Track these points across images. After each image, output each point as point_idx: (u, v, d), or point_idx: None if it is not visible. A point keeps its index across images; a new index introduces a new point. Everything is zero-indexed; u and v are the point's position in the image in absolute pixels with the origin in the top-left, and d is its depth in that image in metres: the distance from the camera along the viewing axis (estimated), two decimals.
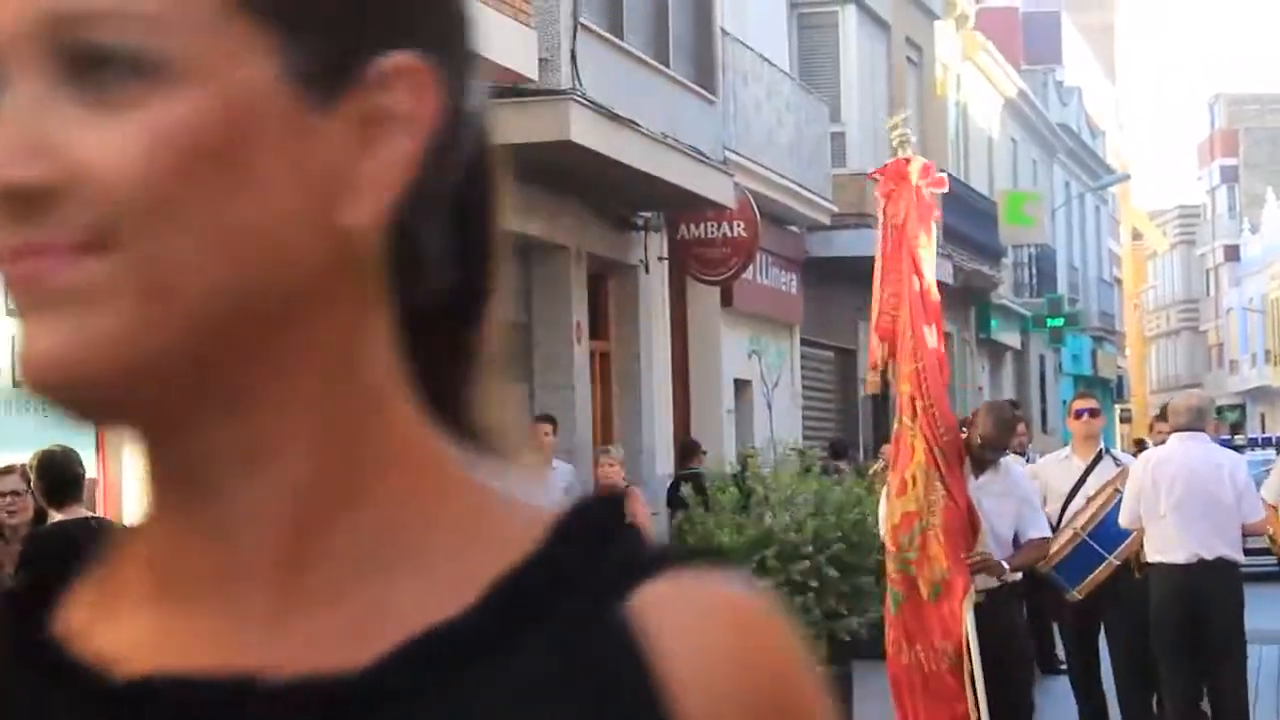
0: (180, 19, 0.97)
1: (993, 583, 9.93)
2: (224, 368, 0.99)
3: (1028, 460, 14.97)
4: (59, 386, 1.07)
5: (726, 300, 22.48)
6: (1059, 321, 43.74)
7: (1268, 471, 14.06)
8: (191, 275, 0.97)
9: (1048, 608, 13.22)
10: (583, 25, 16.43)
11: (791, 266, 25.24)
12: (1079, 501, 11.77)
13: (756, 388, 23.93)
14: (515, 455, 1.17)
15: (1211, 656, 11.46)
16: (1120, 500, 11.58)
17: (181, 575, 1.04)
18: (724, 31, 21.32)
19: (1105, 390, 54.32)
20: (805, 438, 23.41)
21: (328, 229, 1.00)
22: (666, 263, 20.99)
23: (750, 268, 22.02)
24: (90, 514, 9.17)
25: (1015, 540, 10.27)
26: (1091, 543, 11.47)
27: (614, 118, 16.66)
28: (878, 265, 10.22)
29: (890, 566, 9.84)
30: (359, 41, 1.02)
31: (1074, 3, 69.06)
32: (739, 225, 21.15)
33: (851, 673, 12.68)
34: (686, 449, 19.71)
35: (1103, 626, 12.28)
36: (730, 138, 21.34)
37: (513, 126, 15.61)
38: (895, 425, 9.83)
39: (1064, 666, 13.36)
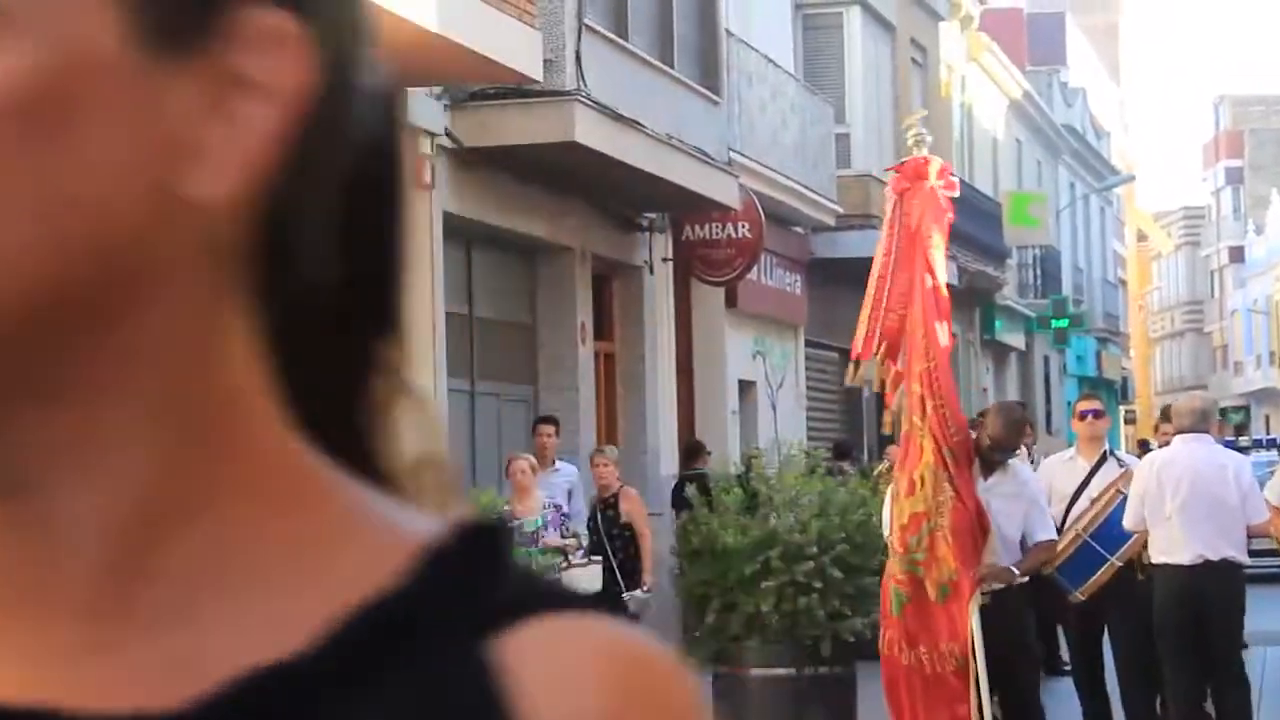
0: None
1: (998, 584, 9.91)
2: (41, 352, 0.88)
3: (1033, 462, 14.98)
4: None
5: (731, 301, 22.48)
6: (1063, 323, 43.73)
7: (1272, 473, 14.06)
8: (2, 247, 0.85)
9: (1051, 609, 13.22)
10: (587, 26, 16.44)
11: (796, 267, 25.24)
12: (1083, 503, 11.78)
13: (761, 389, 23.93)
14: (413, 478, 1.02)
15: (1215, 657, 11.46)
16: (1123, 502, 11.59)
17: None
18: (729, 32, 21.33)
19: (1110, 391, 54.29)
20: (809, 438, 23.38)
21: (168, 202, 0.88)
22: (671, 264, 20.99)
23: (755, 269, 22.02)
24: None
25: (1023, 542, 10.24)
26: (1093, 544, 11.48)
27: (619, 119, 16.67)
28: (879, 260, 10.12)
29: (896, 567, 9.81)
30: None
31: (1079, 4, 69.04)
32: (744, 226, 21.15)
33: (855, 673, 12.68)
34: (692, 450, 19.70)
35: (1106, 627, 12.28)
36: (735, 139, 21.34)
37: (517, 127, 15.63)
38: (905, 425, 9.77)
39: (1068, 667, 13.37)
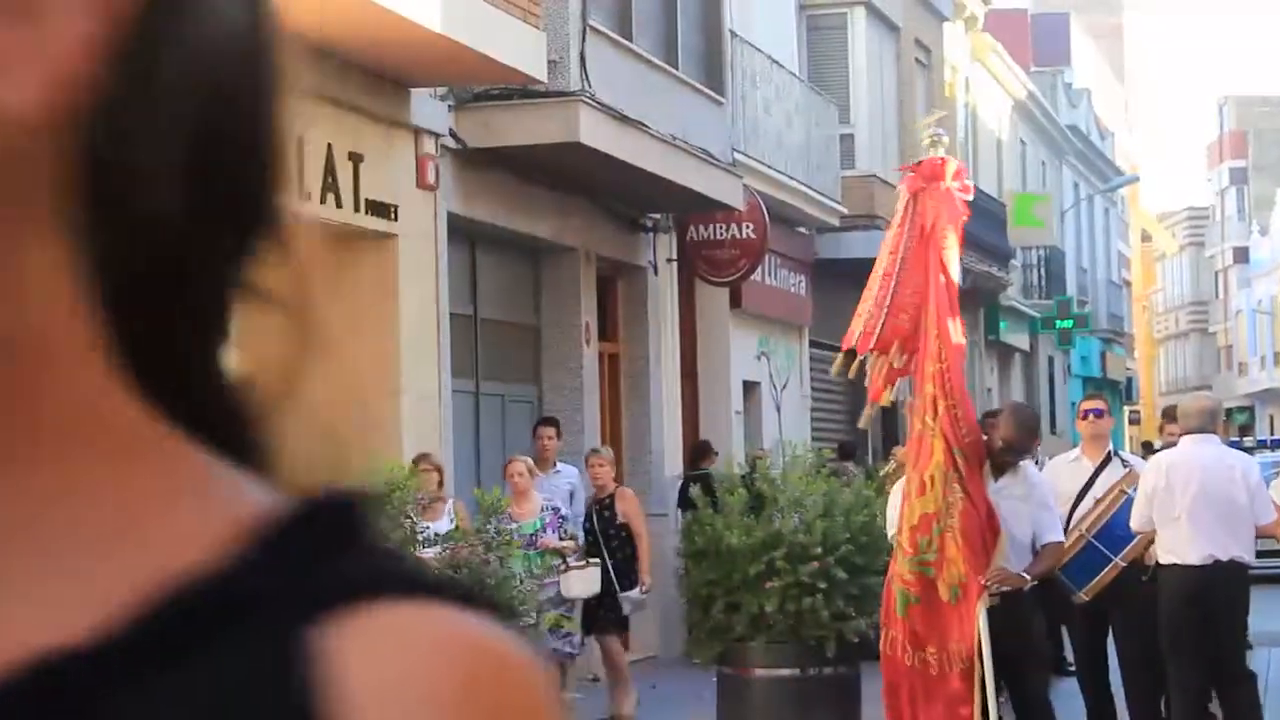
0: None
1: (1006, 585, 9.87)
2: None
3: (1037, 463, 14.98)
4: None
5: (735, 302, 22.48)
6: (1068, 323, 43.72)
7: (1277, 473, 14.07)
8: None
9: (1055, 609, 13.23)
10: (592, 27, 16.45)
11: (800, 268, 25.24)
12: (1087, 503, 11.78)
13: (765, 389, 23.93)
14: (271, 438, 0.90)
15: (1222, 657, 11.47)
16: (1127, 502, 11.59)
17: None
18: (733, 33, 21.33)
19: (1114, 392, 54.28)
20: (814, 439, 23.40)
21: None
22: (675, 264, 20.99)
23: (759, 269, 22.02)
24: None
25: (1033, 545, 10.20)
26: (1097, 544, 11.48)
27: (623, 119, 16.68)
28: (885, 257, 10.02)
29: (904, 568, 9.76)
30: None
31: (1083, 4, 69.03)
32: (748, 227, 21.15)
33: (860, 674, 12.68)
34: (699, 450, 19.72)
35: (1110, 627, 12.28)
36: (739, 139, 21.34)
37: (522, 128, 15.64)
38: (917, 426, 9.72)
39: (1072, 668, 13.37)
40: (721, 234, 21.19)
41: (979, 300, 35.50)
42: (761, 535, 12.41)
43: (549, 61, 14.96)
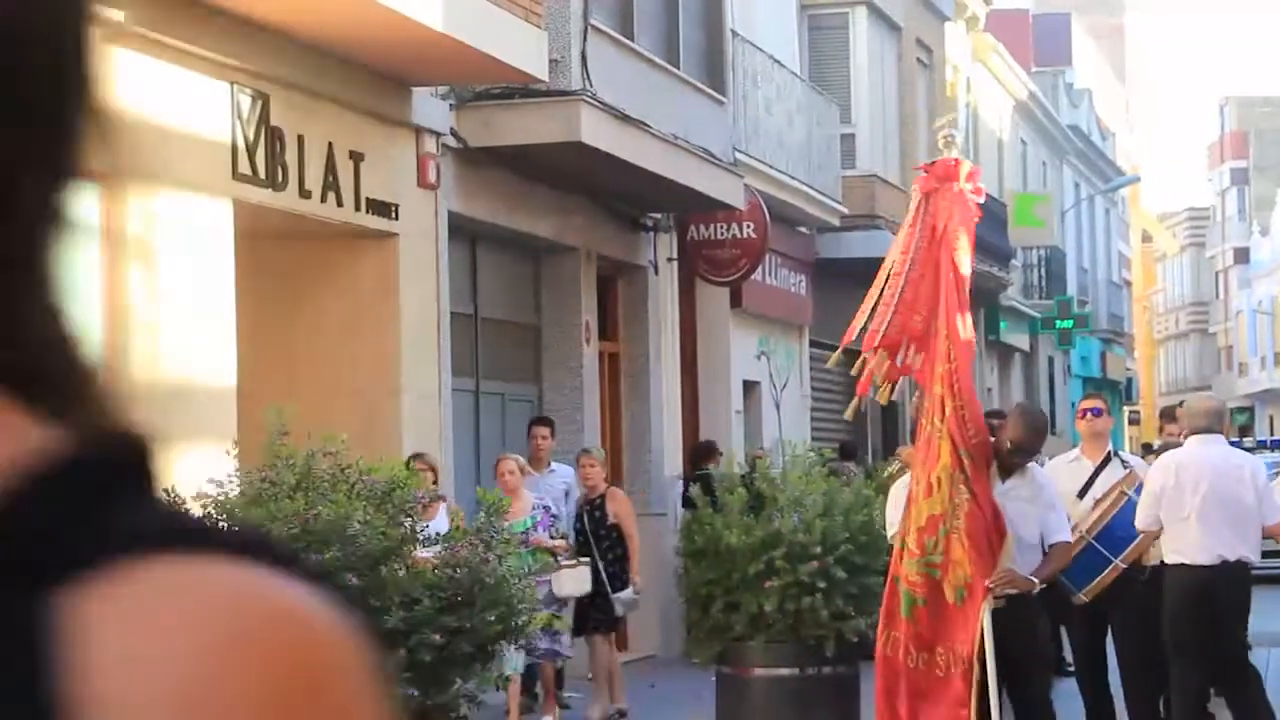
0: None
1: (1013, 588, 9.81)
2: None
3: (1039, 463, 14.97)
4: None
5: (736, 301, 22.47)
6: (1068, 324, 43.71)
7: (1278, 474, 14.07)
8: None
9: (1055, 610, 13.23)
10: (593, 27, 16.45)
11: (801, 268, 25.24)
12: (1086, 504, 11.78)
13: (765, 389, 23.93)
14: (100, 384, 0.84)
15: (1226, 656, 11.47)
16: (1128, 504, 11.58)
17: None
18: (734, 33, 21.33)
19: (1114, 392, 54.26)
20: (813, 439, 23.39)
21: None
22: (676, 264, 20.99)
23: (759, 269, 22.02)
24: None
25: (1042, 546, 10.15)
26: (1098, 545, 11.48)
27: (624, 119, 16.68)
28: (896, 258, 9.96)
29: (910, 570, 9.68)
30: None
31: (1084, 5, 69.01)
32: (748, 226, 21.15)
33: (859, 673, 12.68)
34: (704, 450, 19.73)
35: (1109, 628, 12.28)
36: (740, 139, 21.34)
37: (523, 127, 15.64)
38: (926, 427, 9.68)
39: (1071, 668, 13.37)
40: (722, 233, 21.19)
41: (979, 300, 35.50)
42: (761, 534, 12.41)
43: (550, 61, 14.96)
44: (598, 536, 15.07)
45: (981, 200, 10.07)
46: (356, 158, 13.75)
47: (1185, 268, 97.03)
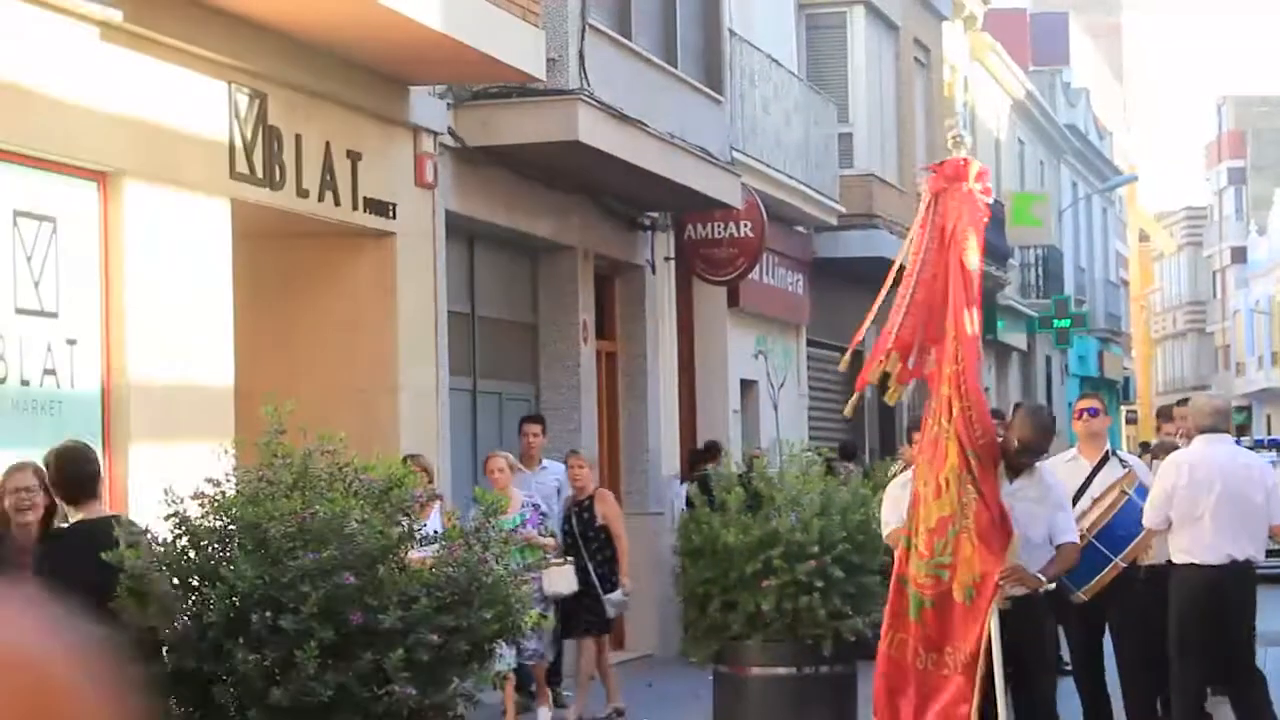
0: None
1: (1022, 589, 9.76)
2: None
3: None
4: None
5: (733, 300, 22.48)
6: (1065, 323, 43.72)
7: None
8: None
9: (1053, 609, 13.23)
10: (591, 26, 16.45)
11: (798, 267, 25.24)
12: (1085, 503, 11.78)
13: (763, 388, 23.93)
14: None
15: (1234, 656, 11.47)
16: (1128, 503, 11.58)
17: None
18: (732, 32, 21.33)
19: (1111, 392, 54.28)
20: (811, 438, 23.40)
21: None
22: (673, 263, 20.99)
23: (757, 268, 22.02)
24: (111, 512, 9.13)
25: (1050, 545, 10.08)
26: (1097, 544, 11.48)
27: (622, 118, 16.68)
28: (910, 259, 9.91)
29: (919, 571, 9.59)
30: None
31: (1082, 4, 69.02)
32: (746, 225, 21.16)
33: (856, 672, 12.69)
34: (710, 449, 19.74)
35: (1107, 627, 12.29)
36: (738, 138, 21.35)
37: (520, 126, 15.65)
38: (933, 428, 9.64)
39: (1068, 667, 13.38)
40: (719, 233, 21.19)
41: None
42: (758, 534, 12.41)
43: (548, 60, 14.95)
44: (586, 538, 15.06)
45: (991, 200, 10.03)
46: (354, 157, 13.75)
47: (1183, 267, 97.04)
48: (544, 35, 14.75)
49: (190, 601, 7.89)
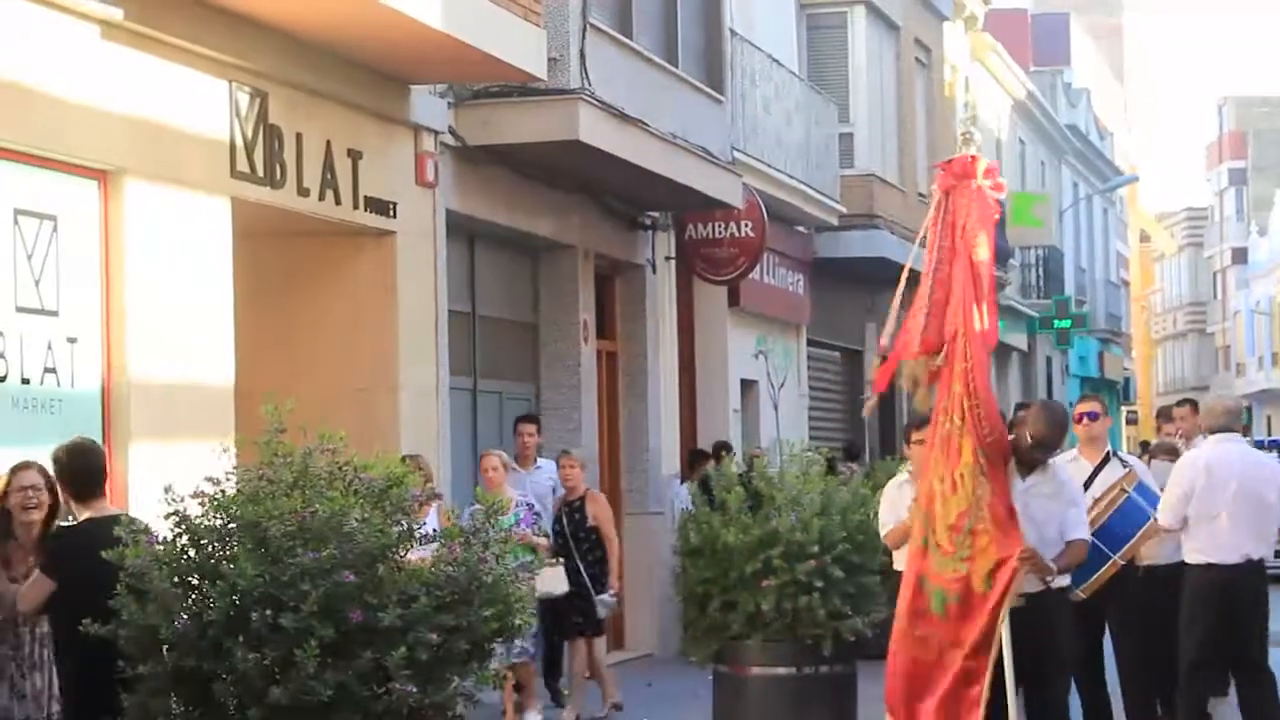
0: None
1: (1038, 586, 9.66)
2: None
3: None
4: None
5: (733, 300, 22.48)
6: (1066, 323, 43.70)
7: None
8: None
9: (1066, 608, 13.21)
10: (592, 25, 16.45)
11: (799, 267, 25.24)
12: (1086, 503, 11.77)
13: (763, 388, 23.93)
14: None
15: (1248, 656, 11.46)
16: (1127, 502, 11.59)
17: None
18: (733, 32, 21.33)
19: (1112, 392, 54.28)
20: (811, 438, 23.41)
21: None
22: (674, 262, 20.99)
23: (757, 268, 22.02)
24: (117, 510, 9.13)
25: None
26: (1097, 542, 11.48)
27: (623, 118, 16.68)
28: (925, 259, 9.86)
29: (942, 568, 9.48)
30: None
31: (1083, 5, 69.01)
32: (746, 225, 21.15)
33: (856, 672, 12.69)
34: (717, 449, 19.75)
35: (1106, 625, 12.28)
36: (738, 138, 21.35)
37: (521, 126, 15.65)
38: (945, 426, 9.60)
39: None
40: (720, 232, 21.19)
41: None
42: (758, 533, 12.41)
43: (549, 59, 14.95)
44: (577, 538, 15.05)
45: (1002, 196, 9.96)
46: (355, 156, 13.75)
47: (1183, 268, 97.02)
48: (545, 35, 14.75)
49: (190, 600, 7.88)
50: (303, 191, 13.10)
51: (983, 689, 9.40)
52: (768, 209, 21.59)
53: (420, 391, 14.72)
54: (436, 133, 15.08)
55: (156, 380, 11.28)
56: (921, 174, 30.55)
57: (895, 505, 12.10)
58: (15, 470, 9.04)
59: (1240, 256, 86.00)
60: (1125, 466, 12.11)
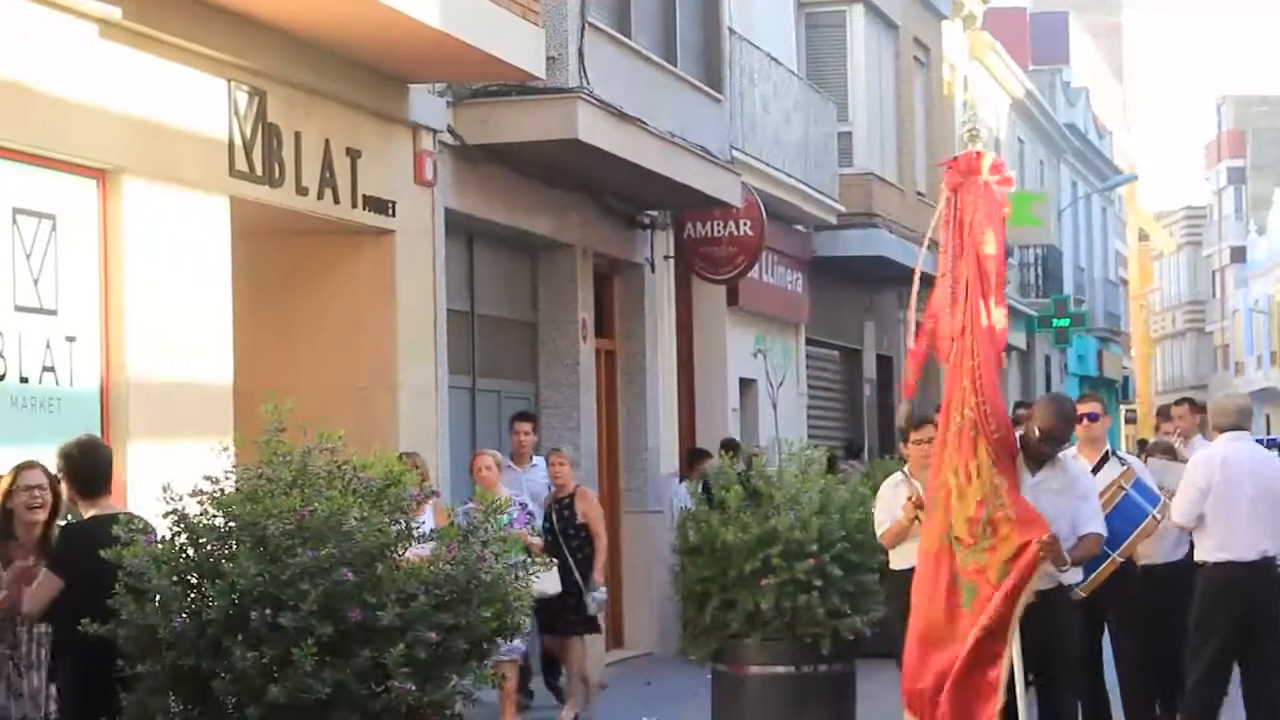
0: None
1: (1048, 584, 9.60)
2: None
3: None
4: None
5: (732, 299, 22.48)
6: (1065, 322, 43.71)
7: None
8: None
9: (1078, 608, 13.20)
10: (590, 24, 16.45)
11: (798, 266, 25.24)
12: None
13: (762, 386, 23.93)
14: None
15: (1263, 653, 11.45)
16: (1125, 499, 11.58)
17: None
18: (731, 31, 21.32)
19: (1110, 391, 54.30)
20: (810, 437, 23.40)
21: None
22: (672, 261, 21.00)
23: (756, 267, 22.02)
24: (123, 509, 9.13)
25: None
26: None
27: (621, 116, 16.68)
28: (941, 258, 9.82)
29: (965, 562, 9.41)
30: None
31: (1082, 3, 69.00)
32: (745, 224, 21.15)
33: (855, 671, 12.69)
34: (725, 446, 19.73)
35: (1105, 624, 12.27)
36: (737, 137, 21.34)
37: (520, 124, 15.65)
38: (956, 419, 9.56)
39: None
40: (719, 231, 21.19)
41: None
42: (757, 532, 12.40)
43: (548, 58, 14.95)
44: (566, 535, 15.03)
45: (1011, 190, 9.93)
46: (353, 155, 13.75)
47: (1182, 266, 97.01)
48: (543, 33, 14.75)
49: (189, 599, 7.88)
50: (301, 190, 13.10)
51: (1000, 673, 9.34)
52: (766, 208, 21.59)
53: (419, 390, 14.72)
54: (435, 132, 15.08)
55: (155, 379, 11.28)
56: (920, 173, 30.55)
57: (890, 505, 12.10)
58: (20, 470, 9.04)
59: (1239, 255, 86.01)
60: (1123, 465, 12.11)
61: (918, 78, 31.13)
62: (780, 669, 12.44)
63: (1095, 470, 11.96)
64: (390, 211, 14.34)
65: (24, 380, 10.36)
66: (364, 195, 13.92)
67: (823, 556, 12.28)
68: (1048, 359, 45.91)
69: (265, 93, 12.60)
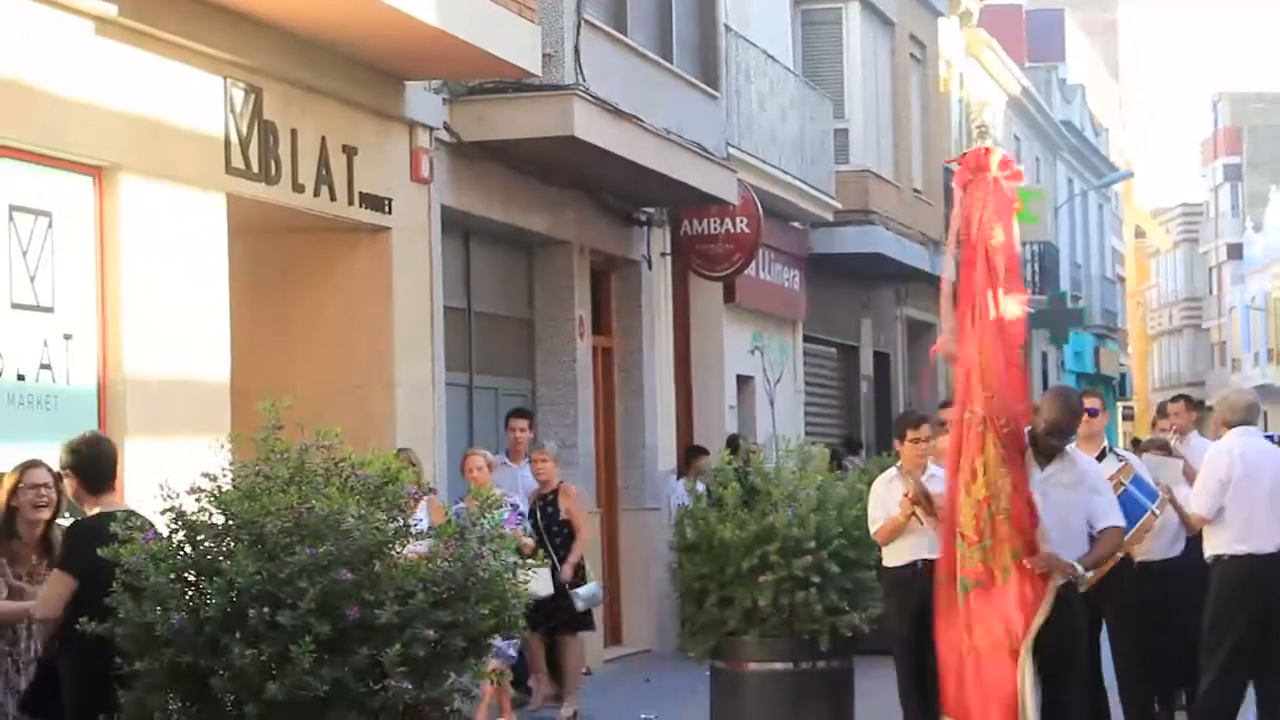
0: None
1: (1058, 579, 9.51)
2: None
3: None
4: None
5: (729, 296, 22.48)
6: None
7: None
8: None
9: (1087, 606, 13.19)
10: (586, 21, 16.43)
11: (794, 263, 25.24)
12: None
13: (759, 384, 23.93)
14: None
15: (1274, 645, 11.42)
16: (1124, 495, 11.57)
17: None
18: (727, 28, 21.31)
19: (1107, 388, 54.27)
20: (807, 433, 23.40)
21: None
22: (669, 258, 20.99)
23: (753, 264, 22.02)
24: (127, 506, 9.12)
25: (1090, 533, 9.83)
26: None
27: (617, 113, 16.67)
28: (963, 254, 9.81)
29: (968, 559, 9.43)
30: None
31: (1078, 0, 68.99)
32: (742, 221, 21.15)
33: (853, 668, 12.69)
34: (729, 444, 19.68)
35: (1104, 622, 12.25)
36: (733, 134, 21.33)
37: (516, 121, 15.64)
38: (964, 414, 9.54)
39: None
40: (715, 228, 21.18)
41: None
42: (755, 529, 12.40)
43: (543, 55, 14.94)
44: (550, 532, 15.01)
45: (1021, 184, 9.89)
46: (350, 152, 13.74)
47: (1179, 263, 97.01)
48: (540, 31, 14.74)
49: (187, 597, 7.87)
50: (298, 187, 13.09)
51: (1020, 673, 9.31)
52: (763, 205, 21.58)
53: (416, 387, 14.71)
54: (431, 129, 15.07)
55: (152, 376, 11.27)
56: (917, 170, 30.55)
57: (884, 501, 12.09)
58: (25, 468, 9.04)
59: (1235, 252, 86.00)
60: (1121, 461, 12.11)
61: (914, 75, 31.13)
62: (778, 666, 12.44)
63: None
64: (387, 209, 14.33)
65: (21, 378, 10.35)
66: (360, 192, 13.91)
67: (820, 553, 12.27)
68: (1044, 356, 45.89)
69: (261, 90, 12.59)
